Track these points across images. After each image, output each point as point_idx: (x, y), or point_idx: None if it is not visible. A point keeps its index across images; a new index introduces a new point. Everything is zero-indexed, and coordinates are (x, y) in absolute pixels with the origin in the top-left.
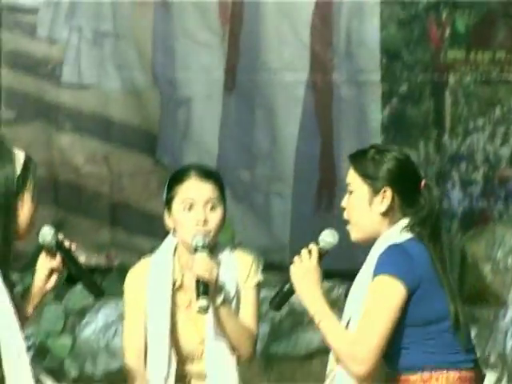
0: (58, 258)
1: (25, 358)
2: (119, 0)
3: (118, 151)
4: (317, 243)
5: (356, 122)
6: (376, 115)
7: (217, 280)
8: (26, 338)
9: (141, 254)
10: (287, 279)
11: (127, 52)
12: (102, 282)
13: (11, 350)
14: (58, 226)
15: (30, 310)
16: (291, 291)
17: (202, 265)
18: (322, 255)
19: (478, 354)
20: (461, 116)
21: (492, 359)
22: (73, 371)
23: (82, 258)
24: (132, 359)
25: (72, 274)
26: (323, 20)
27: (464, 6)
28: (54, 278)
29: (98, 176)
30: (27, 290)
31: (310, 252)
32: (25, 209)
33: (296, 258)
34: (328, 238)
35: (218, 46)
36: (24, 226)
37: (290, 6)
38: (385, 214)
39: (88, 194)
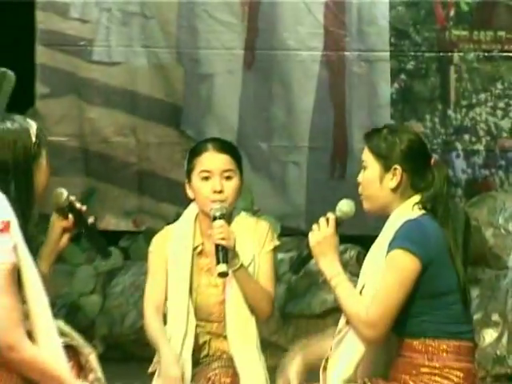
0: (70, 218)
1: (49, 312)
2: None
3: (145, 123)
4: (334, 212)
5: (367, 96)
6: (385, 90)
7: (234, 246)
8: (59, 297)
9: (166, 219)
10: (306, 245)
11: (153, 31)
12: (130, 246)
13: (38, 306)
14: (89, 194)
15: (45, 268)
16: (309, 257)
17: (220, 232)
18: (339, 224)
19: (481, 313)
20: (464, 91)
21: (493, 317)
22: (103, 328)
23: (91, 220)
24: (152, 315)
25: (82, 233)
26: (336, 0)
27: None
28: (66, 237)
29: (126, 147)
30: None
31: (327, 220)
32: (40, 173)
33: (314, 226)
34: (345, 207)
35: (238, 25)
36: (40, 190)
37: None
38: (395, 190)
39: (117, 163)
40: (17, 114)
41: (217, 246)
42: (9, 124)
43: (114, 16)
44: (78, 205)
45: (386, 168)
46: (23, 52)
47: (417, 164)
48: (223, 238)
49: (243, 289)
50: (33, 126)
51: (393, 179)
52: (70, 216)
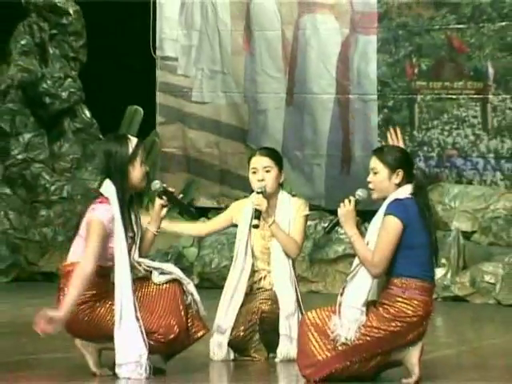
0: (164, 198)
1: (124, 262)
2: (225, 51)
3: (224, 140)
4: (354, 195)
5: (362, 123)
6: (374, 119)
7: (267, 209)
8: (171, 248)
9: (237, 199)
10: (335, 217)
11: (229, 82)
12: (214, 217)
13: (118, 262)
14: (189, 186)
15: (154, 229)
16: (338, 224)
17: (257, 201)
18: (356, 203)
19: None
20: (424, 119)
21: (442, 261)
22: (198, 268)
23: (180, 196)
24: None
25: (175, 206)
26: (343, 63)
27: (426, 55)
28: (164, 210)
29: (212, 155)
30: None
31: (349, 200)
32: (135, 172)
33: (341, 204)
34: (361, 193)
35: (282, 78)
36: (136, 182)
37: (324, 54)
38: (399, 185)
39: (206, 165)
40: (127, 135)
41: (254, 209)
42: (107, 142)
43: (205, 73)
44: (169, 188)
45: (392, 171)
46: (148, 96)
47: (408, 168)
48: (258, 204)
49: (276, 237)
50: (132, 143)
51: (397, 178)
52: (164, 197)
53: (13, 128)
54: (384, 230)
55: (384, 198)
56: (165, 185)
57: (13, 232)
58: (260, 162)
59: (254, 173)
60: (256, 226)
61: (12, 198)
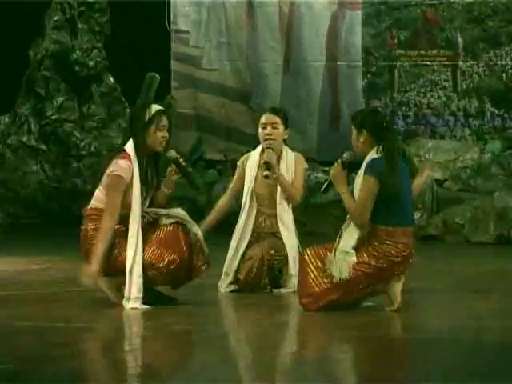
0: (175, 167)
1: (138, 212)
2: (230, 25)
3: (230, 102)
4: (341, 157)
5: (349, 87)
6: (359, 83)
7: (274, 162)
8: (182, 198)
9: (240, 153)
10: (329, 178)
11: (234, 52)
12: (222, 168)
13: (133, 211)
14: (199, 141)
15: (167, 189)
16: (331, 184)
17: (267, 155)
18: (345, 164)
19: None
20: (402, 83)
21: (418, 205)
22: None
23: (190, 169)
24: (225, 195)
25: (183, 175)
26: (333, 34)
27: (404, 27)
28: (176, 176)
29: (219, 114)
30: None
31: (337, 163)
32: (150, 136)
33: (332, 167)
34: (346, 155)
35: (280, 48)
36: (151, 144)
37: (316, 27)
38: (363, 143)
39: (214, 123)
40: (150, 105)
41: (265, 161)
42: (133, 108)
43: (213, 44)
44: (181, 160)
45: (359, 131)
46: (164, 64)
47: (374, 128)
48: (268, 158)
49: (281, 186)
50: (151, 112)
51: (362, 137)
52: (175, 166)
53: (47, 92)
54: (362, 187)
55: (365, 155)
56: (178, 155)
57: (48, 182)
58: (269, 119)
59: (264, 128)
60: (266, 177)
61: (47, 153)
